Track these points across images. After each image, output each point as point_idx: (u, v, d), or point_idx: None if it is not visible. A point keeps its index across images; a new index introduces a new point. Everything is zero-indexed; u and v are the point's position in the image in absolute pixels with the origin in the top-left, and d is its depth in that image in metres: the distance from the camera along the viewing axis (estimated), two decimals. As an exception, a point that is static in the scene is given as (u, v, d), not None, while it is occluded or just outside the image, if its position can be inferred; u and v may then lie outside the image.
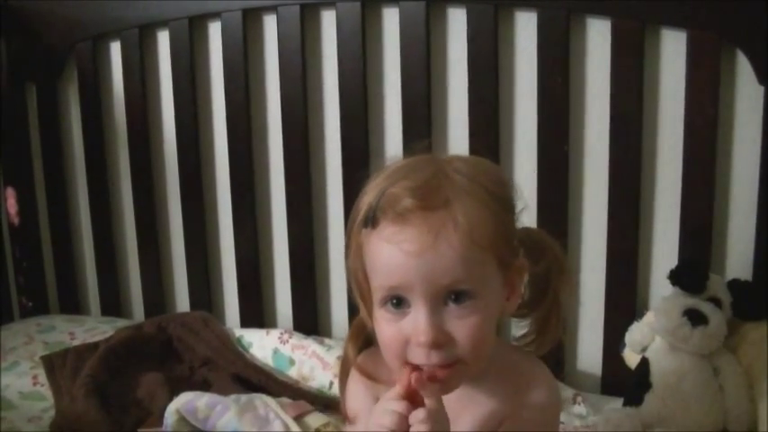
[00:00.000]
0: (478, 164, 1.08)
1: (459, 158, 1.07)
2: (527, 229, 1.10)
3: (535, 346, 1.13)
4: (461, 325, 0.98)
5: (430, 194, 0.97)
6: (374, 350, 1.10)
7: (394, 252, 0.97)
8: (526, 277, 1.09)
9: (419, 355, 0.98)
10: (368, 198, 1.02)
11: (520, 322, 1.15)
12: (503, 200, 1.03)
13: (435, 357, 0.98)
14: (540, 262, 1.09)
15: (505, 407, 1.06)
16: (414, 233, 0.96)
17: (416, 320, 0.98)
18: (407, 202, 0.97)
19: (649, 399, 1.53)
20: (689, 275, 1.57)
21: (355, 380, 1.14)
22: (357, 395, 1.14)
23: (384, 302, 1.01)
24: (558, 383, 1.68)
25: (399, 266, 0.97)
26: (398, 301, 0.99)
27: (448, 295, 0.98)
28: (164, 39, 2.12)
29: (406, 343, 0.99)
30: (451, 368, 0.99)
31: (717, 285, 1.58)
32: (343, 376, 1.16)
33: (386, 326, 1.01)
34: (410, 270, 0.96)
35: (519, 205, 1.08)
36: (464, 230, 0.96)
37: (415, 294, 0.97)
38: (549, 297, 1.10)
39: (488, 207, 0.99)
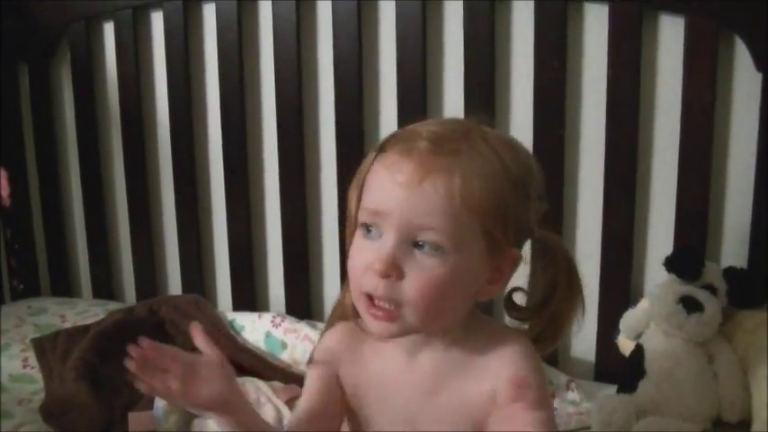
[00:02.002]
0: (511, 142, 1.07)
1: (497, 132, 1.08)
2: (546, 233, 1.08)
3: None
4: (419, 272, 0.98)
5: (442, 142, 0.99)
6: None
7: (386, 178, 1.00)
8: (526, 270, 1.07)
9: (370, 282, 0.99)
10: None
11: (521, 325, 1.12)
12: (517, 181, 1.01)
13: (381, 290, 0.99)
14: (548, 269, 1.08)
15: (491, 382, 1.04)
16: (409, 167, 0.98)
17: (380, 248, 0.99)
18: (420, 142, 0.99)
19: (643, 386, 1.53)
20: (684, 262, 1.57)
21: (327, 343, 1.14)
22: (321, 353, 1.14)
23: (362, 226, 1.03)
24: (552, 370, 1.70)
25: (385, 192, 0.99)
26: (374, 230, 1.01)
27: (418, 239, 0.99)
28: (157, 20, 2.11)
29: (366, 270, 1.00)
30: (391, 315, 0.99)
31: (712, 273, 1.58)
32: (331, 322, 1.17)
33: (356, 251, 1.04)
34: (392, 199, 0.98)
35: (543, 204, 1.08)
36: (455, 184, 0.97)
37: (388, 224, 0.99)
38: (550, 309, 1.08)
39: (494, 178, 0.99)
